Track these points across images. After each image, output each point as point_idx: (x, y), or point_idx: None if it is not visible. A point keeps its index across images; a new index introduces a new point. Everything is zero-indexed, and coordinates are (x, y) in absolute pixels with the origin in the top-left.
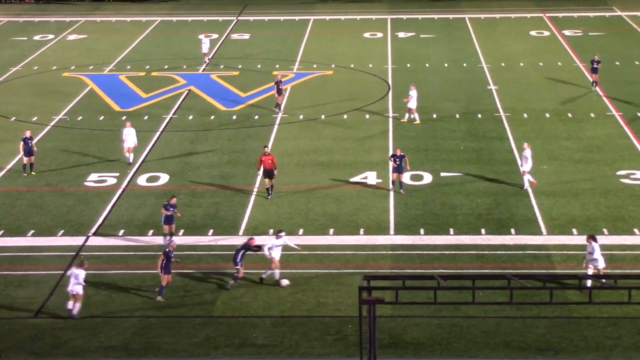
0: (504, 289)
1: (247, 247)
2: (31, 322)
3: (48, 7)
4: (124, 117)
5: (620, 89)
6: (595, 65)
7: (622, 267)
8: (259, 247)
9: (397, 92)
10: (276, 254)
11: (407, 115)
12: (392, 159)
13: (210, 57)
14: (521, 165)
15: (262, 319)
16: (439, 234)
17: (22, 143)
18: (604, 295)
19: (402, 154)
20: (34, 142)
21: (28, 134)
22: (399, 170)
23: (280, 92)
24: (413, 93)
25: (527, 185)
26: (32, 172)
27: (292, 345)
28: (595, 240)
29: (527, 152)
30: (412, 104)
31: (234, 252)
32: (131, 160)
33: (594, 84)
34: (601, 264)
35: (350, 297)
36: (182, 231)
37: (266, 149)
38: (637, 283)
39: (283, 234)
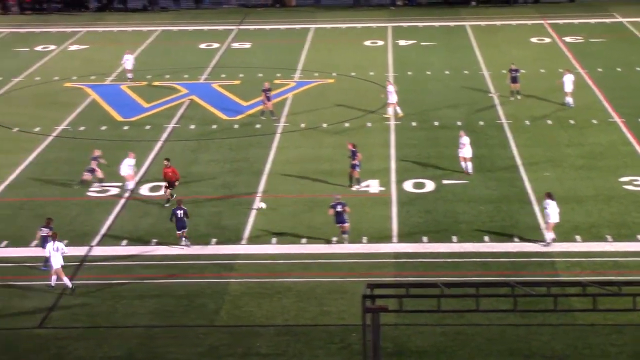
0: (508, 297)
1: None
2: (35, 333)
3: (49, 17)
4: (125, 127)
5: (622, 95)
6: (514, 75)
7: (626, 274)
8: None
9: (399, 100)
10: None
11: (389, 110)
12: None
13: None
14: (460, 152)
15: (266, 328)
16: (442, 242)
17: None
18: (609, 302)
19: (355, 149)
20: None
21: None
22: (354, 167)
23: (268, 99)
24: (391, 88)
25: (470, 170)
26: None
27: (296, 354)
28: (552, 198)
29: (465, 139)
30: (392, 98)
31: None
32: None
33: (516, 93)
34: (553, 218)
35: (353, 305)
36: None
37: (165, 162)
38: None
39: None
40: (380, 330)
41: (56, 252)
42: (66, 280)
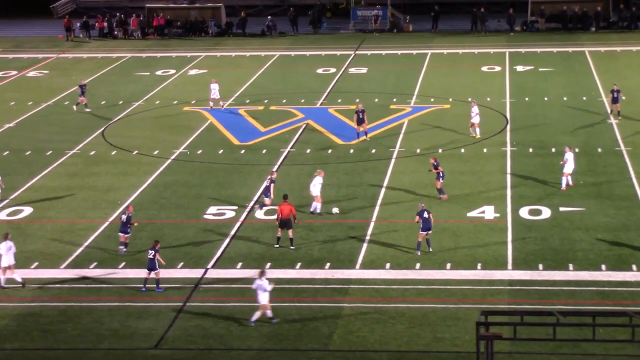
0: (625, 326)
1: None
2: (151, 354)
3: (170, 42)
4: (242, 151)
5: None
6: (615, 95)
7: None
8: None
9: (516, 126)
10: (316, 191)
11: (471, 130)
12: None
13: (221, 101)
14: (563, 168)
15: (379, 354)
16: (558, 270)
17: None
18: None
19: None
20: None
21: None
22: (362, 121)
23: (361, 121)
24: (475, 109)
25: (564, 186)
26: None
27: None
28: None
29: (568, 155)
30: (476, 119)
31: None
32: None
33: (617, 114)
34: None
35: (467, 332)
36: (299, 264)
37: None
38: None
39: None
40: (494, 358)
41: (9, 251)
42: (16, 276)
